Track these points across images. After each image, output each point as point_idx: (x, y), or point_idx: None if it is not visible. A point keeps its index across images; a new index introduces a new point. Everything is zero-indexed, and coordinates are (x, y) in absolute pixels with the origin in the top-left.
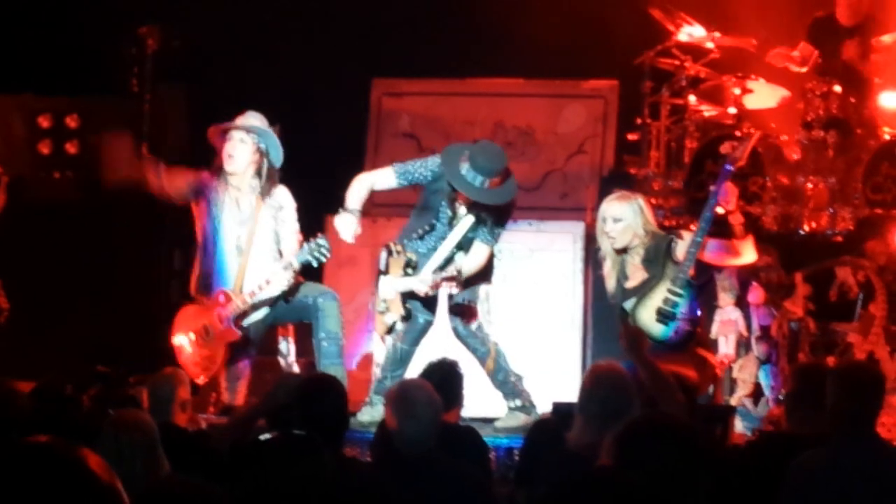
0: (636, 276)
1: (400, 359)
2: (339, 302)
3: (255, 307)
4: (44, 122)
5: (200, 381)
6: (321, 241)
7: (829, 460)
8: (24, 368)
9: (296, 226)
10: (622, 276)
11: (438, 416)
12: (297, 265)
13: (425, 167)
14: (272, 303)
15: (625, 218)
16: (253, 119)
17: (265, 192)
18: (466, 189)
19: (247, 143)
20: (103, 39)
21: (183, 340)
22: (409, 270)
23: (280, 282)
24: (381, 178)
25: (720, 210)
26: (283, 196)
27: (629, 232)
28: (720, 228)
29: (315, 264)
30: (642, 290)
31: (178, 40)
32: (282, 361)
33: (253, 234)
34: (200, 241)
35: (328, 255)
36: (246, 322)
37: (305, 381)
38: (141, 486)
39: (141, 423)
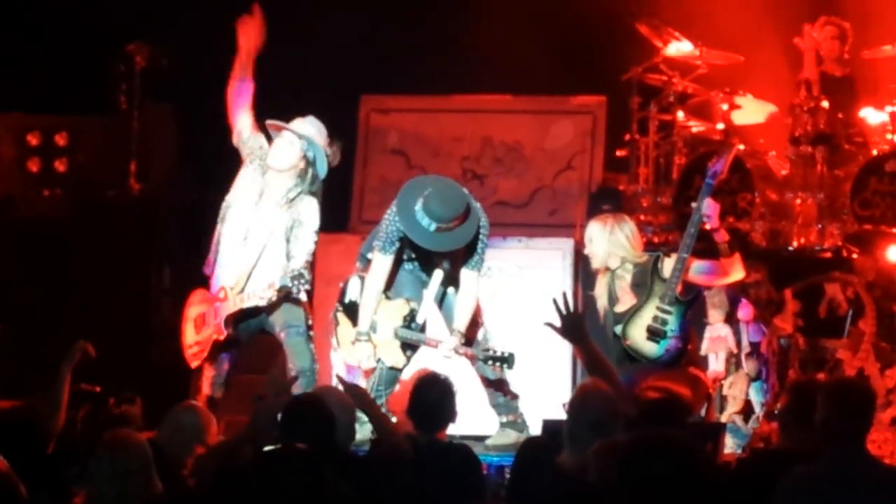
0: (625, 300)
1: (388, 379)
2: (305, 333)
3: (245, 313)
4: (32, 139)
5: (193, 366)
6: (304, 273)
7: (819, 476)
8: (13, 387)
9: (310, 246)
10: (613, 297)
11: (353, 420)
12: (277, 286)
13: (395, 222)
14: (255, 314)
15: (594, 238)
16: (310, 126)
17: (293, 200)
18: (411, 229)
19: (295, 146)
20: (91, 58)
21: (186, 324)
22: (413, 325)
23: (261, 300)
24: (378, 273)
25: (710, 223)
26: (306, 210)
27: (600, 252)
28: (707, 248)
29: (295, 293)
30: (632, 312)
31: (166, 58)
32: None
33: (267, 240)
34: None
35: (307, 290)
36: (237, 324)
37: (288, 403)
38: None
39: (135, 444)
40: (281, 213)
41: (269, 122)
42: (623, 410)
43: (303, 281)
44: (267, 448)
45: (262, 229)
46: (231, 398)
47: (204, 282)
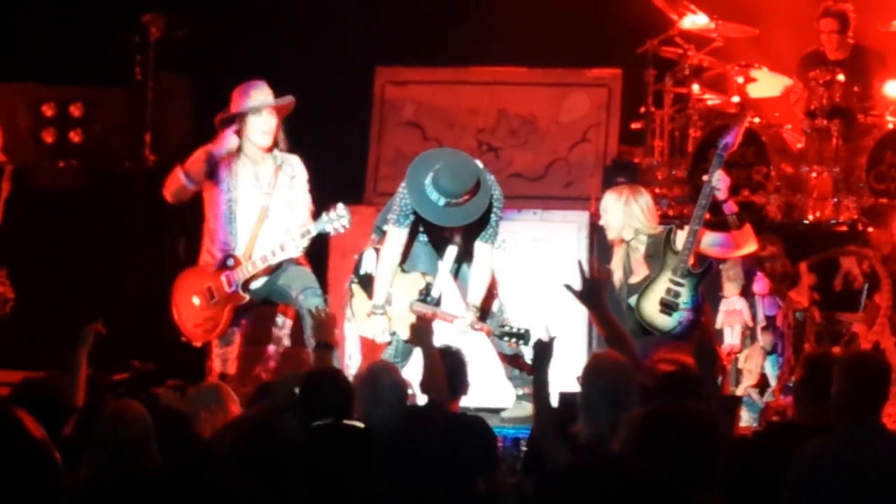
0: (639, 271)
1: (404, 351)
2: (324, 297)
3: (264, 272)
4: (48, 110)
5: (198, 344)
6: (341, 211)
7: (834, 449)
8: (29, 357)
9: (307, 195)
10: (627, 269)
11: (404, 399)
12: (314, 233)
13: (406, 196)
14: (275, 269)
15: (609, 209)
16: (267, 95)
17: (280, 161)
18: (421, 204)
19: (273, 117)
20: (107, 28)
21: (185, 303)
22: (429, 298)
23: (295, 249)
24: (393, 246)
25: (719, 195)
26: (297, 165)
27: (615, 223)
28: (719, 221)
29: (332, 233)
30: (645, 284)
31: (181, 29)
32: (275, 332)
33: (269, 204)
34: (216, 214)
35: (347, 226)
36: (252, 286)
37: (307, 375)
38: (131, 476)
39: (138, 415)
40: (278, 179)
41: (221, 117)
42: (638, 379)
43: (342, 217)
44: (317, 423)
45: (266, 200)
46: (237, 371)
47: None
